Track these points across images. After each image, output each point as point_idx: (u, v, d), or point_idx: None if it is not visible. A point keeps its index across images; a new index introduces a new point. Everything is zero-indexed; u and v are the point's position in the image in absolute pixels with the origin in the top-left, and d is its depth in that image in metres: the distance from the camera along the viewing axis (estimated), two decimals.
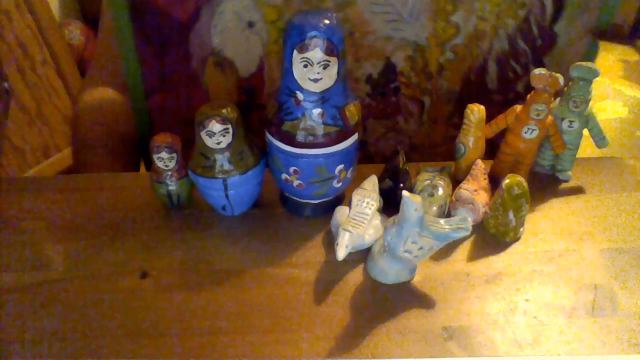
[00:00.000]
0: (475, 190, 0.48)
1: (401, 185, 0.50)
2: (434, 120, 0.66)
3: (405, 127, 0.67)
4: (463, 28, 0.60)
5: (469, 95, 0.65)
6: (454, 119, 0.67)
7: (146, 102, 0.66)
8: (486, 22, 0.60)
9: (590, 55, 0.64)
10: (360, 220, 0.46)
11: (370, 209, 0.47)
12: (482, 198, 0.48)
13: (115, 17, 0.60)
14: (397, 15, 0.59)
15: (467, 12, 0.59)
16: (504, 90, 0.65)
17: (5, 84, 0.64)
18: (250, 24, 0.59)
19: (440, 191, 0.48)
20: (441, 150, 0.69)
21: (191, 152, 0.47)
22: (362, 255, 0.46)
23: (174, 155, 0.48)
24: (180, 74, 0.64)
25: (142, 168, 0.77)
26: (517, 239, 0.48)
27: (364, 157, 0.69)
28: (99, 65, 0.72)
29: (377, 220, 0.47)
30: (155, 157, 0.47)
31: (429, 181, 0.50)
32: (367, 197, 0.48)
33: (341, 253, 0.43)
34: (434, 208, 0.47)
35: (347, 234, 0.43)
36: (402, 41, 0.60)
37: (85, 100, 0.69)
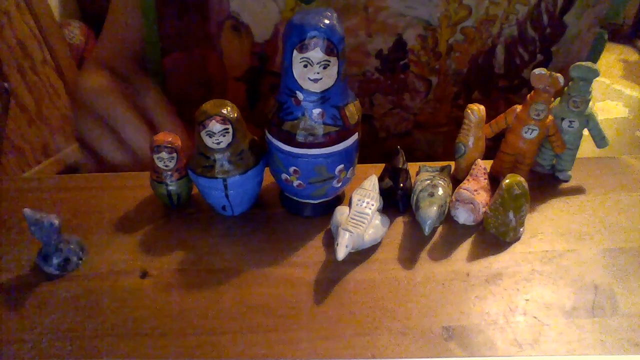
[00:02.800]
0: (475, 190, 0.48)
1: (401, 185, 0.50)
2: (439, 99, 0.67)
3: (411, 104, 0.67)
4: (475, 11, 0.61)
5: (476, 78, 0.65)
6: (458, 100, 0.67)
7: (162, 60, 0.67)
8: (498, 6, 0.60)
9: (597, 47, 0.64)
10: (360, 220, 0.46)
11: (370, 208, 0.47)
12: (482, 198, 0.48)
13: None
14: None
15: None
16: (509, 75, 0.65)
17: (5, 84, 0.64)
18: None
19: (441, 191, 0.48)
20: (444, 130, 0.69)
21: (191, 152, 0.47)
22: (362, 255, 0.46)
23: (174, 155, 0.48)
24: (197, 35, 0.64)
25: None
26: (517, 239, 0.48)
27: (370, 131, 0.69)
28: (98, 53, 0.72)
29: (377, 220, 0.47)
30: (155, 157, 0.47)
31: (428, 181, 0.50)
32: (367, 197, 0.48)
33: (341, 253, 0.43)
34: (434, 208, 0.47)
35: (347, 234, 0.43)
36: (414, 19, 0.61)
37: (85, 83, 0.66)
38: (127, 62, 0.69)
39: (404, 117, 0.69)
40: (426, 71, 0.65)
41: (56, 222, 0.44)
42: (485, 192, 0.49)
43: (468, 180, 0.50)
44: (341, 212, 0.48)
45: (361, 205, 0.47)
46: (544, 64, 0.64)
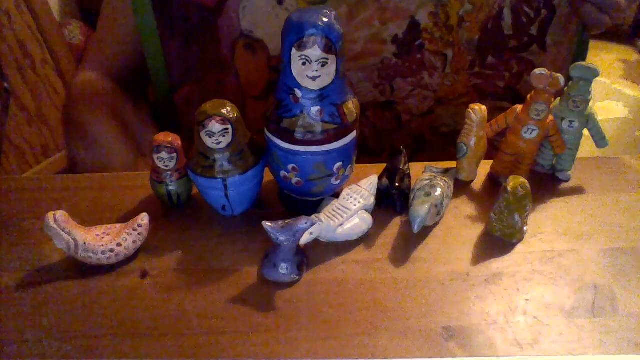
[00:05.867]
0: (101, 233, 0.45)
1: (396, 184, 0.50)
2: (456, 71, 0.68)
3: (430, 82, 0.68)
4: None
5: (487, 43, 0.67)
6: (474, 68, 0.68)
7: (172, 97, 0.66)
8: None
9: None
10: (338, 213, 0.47)
11: (355, 205, 0.47)
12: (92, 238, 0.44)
13: (139, 12, 0.61)
14: None
15: None
16: (518, 35, 0.67)
17: (5, 84, 0.64)
18: (280, 1, 0.60)
19: (438, 191, 0.48)
20: (464, 101, 0.70)
21: (191, 152, 0.47)
22: (362, 255, 0.46)
23: (174, 155, 0.48)
24: (209, 62, 0.64)
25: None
26: (522, 239, 0.48)
27: (393, 116, 0.71)
28: (91, 57, 0.72)
29: (358, 219, 0.47)
30: (155, 157, 0.47)
31: (428, 180, 0.50)
32: (356, 194, 0.48)
33: (303, 238, 0.43)
34: (426, 207, 0.46)
35: (316, 222, 0.44)
36: None
37: (78, 86, 0.68)
38: (120, 68, 0.70)
39: (425, 96, 0.70)
40: (441, 46, 0.66)
41: (315, 220, 0.43)
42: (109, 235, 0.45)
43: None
44: (328, 202, 0.49)
45: (347, 200, 0.48)
46: (548, 18, 0.65)
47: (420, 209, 0.46)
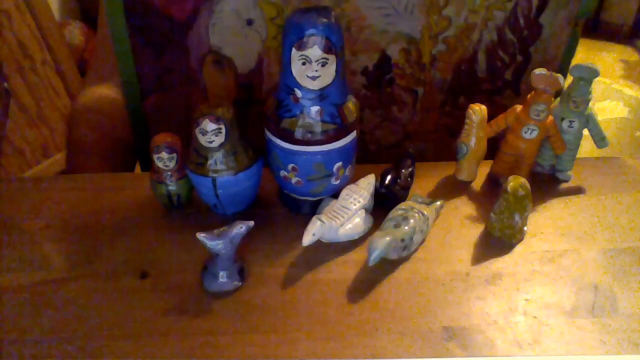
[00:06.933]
0: None
1: (386, 183, 0.50)
2: (426, 109, 0.68)
3: (399, 116, 0.69)
4: (455, 21, 0.62)
5: (460, 84, 0.67)
6: (445, 107, 0.69)
7: (142, 103, 0.67)
8: (477, 14, 0.62)
9: (572, 44, 0.65)
10: (339, 214, 0.47)
11: (355, 205, 0.47)
12: None
13: (111, 19, 0.61)
14: (392, 10, 0.61)
15: (459, 5, 0.61)
16: (492, 78, 0.67)
17: (5, 84, 0.64)
18: (249, 22, 0.60)
19: (411, 223, 0.44)
20: (433, 137, 0.71)
21: (189, 149, 0.48)
22: (362, 255, 0.46)
23: (174, 155, 0.48)
24: (178, 73, 0.64)
25: (137, 169, 0.77)
26: (522, 239, 0.48)
27: (361, 145, 0.70)
28: (97, 65, 0.72)
29: (359, 218, 0.47)
30: (155, 157, 0.47)
31: (402, 211, 0.46)
32: (355, 193, 0.48)
33: (306, 239, 0.43)
34: (387, 239, 0.42)
35: (318, 223, 0.44)
36: (397, 34, 0.62)
37: (82, 102, 0.69)
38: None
39: (394, 129, 0.70)
40: (412, 83, 0.66)
41: (251, 223, 0.42)
42: None
43: None
44: (327, 202, 0.49)
45: (347, 200, 0.48)
46: (524, 64, 0.65)
47: (380, 241, 0.42)
